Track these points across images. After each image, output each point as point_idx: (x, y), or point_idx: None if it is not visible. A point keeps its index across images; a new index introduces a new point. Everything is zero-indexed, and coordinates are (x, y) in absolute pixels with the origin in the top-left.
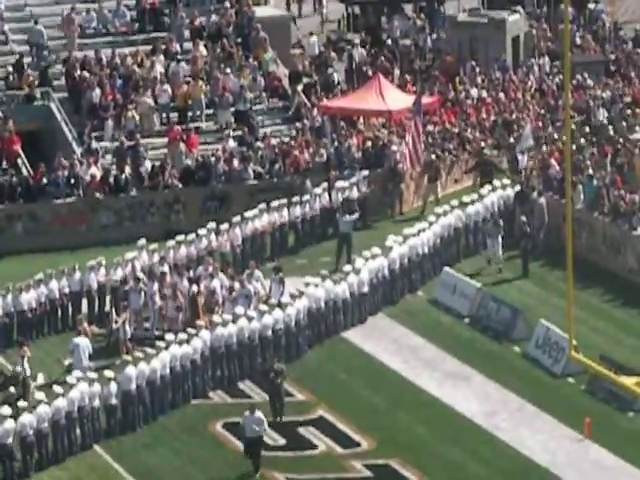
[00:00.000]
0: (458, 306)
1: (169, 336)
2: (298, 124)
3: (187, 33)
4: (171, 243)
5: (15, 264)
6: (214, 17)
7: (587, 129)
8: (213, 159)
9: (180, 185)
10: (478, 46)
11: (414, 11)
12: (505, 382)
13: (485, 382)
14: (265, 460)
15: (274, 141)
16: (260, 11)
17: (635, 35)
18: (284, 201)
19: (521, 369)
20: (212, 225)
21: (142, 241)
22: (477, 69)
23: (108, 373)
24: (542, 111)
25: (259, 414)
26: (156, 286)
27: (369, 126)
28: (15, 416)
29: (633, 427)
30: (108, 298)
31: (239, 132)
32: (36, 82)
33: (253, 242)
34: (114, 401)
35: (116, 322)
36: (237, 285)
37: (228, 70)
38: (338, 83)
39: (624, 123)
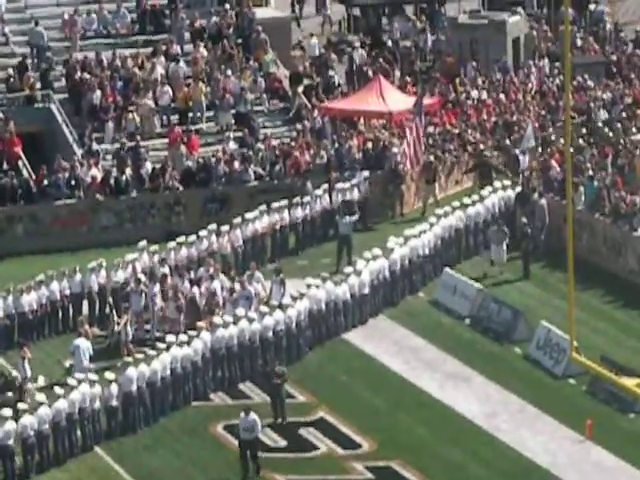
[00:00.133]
0: (459, 307)
1: (170, 337)
2: (299, 125)
3: (188, 35)
4: (172, 245)
5: (16, 265)
6: (214, 19)
7: (584, 130)
8: (214, 161)
9: (181, 187)
10: (479, 47)
11: (415, 13)
12: (506, 383)
13: (486, 383)
14: (266, 462)
15: (275, 142)
16: (260, 12)
17: (636, 36)
18: (285, 202)
19: (522, 370)
20: (213, 227)
21: (143, 243)
22: (478, 70)
23: (109, 375)
24: (542, 112)
25: (254, 416)
26: (157, 288)
27: (370, 127)
28: (16, 418)
29: (634, 428)
30: (109, 300)
31: (240, 134)
32: (37, 84)
33: (254, 243)
34: (115, 403)
35: (118, 324)
36: (238, 286)
37: (229, 72)
38: (339, 85)
39: (619, 125)
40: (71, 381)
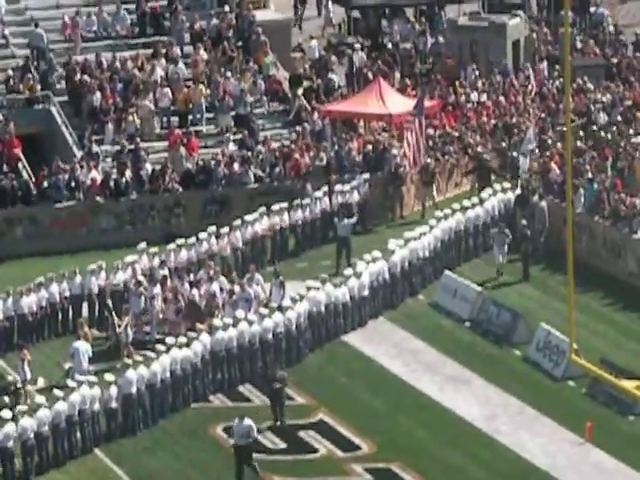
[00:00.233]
0: (459, 310)
1: (170, 339)
2: (298, 128)
3: (187, 37)
4: (171, 247)
5: (15, 268)
6: (214, 21)
7: (581, 133)
8: (213, 163)
9: (180, 189)
10: (478, 50)
11: (414, 15)
12: (505, 386)
13: (485, 386)
14: (265, 464)
15: (274, 145)
16: (260, 15)
17: (636, 39)
18: (284, 205)
19: (521, 373)
20: (212, 229)
21: (142, 245)
22: (477, 72)
23: (108, 377)
24: (542, 115)
25: (248, 422)
26: (156, 289)
27: (369, 130)
28: (16, 420)
29: (633, 431)
30: (109, 302)
31: (239, 136)
32: (37, 86)
33: (253, 246)
34: (114, 404)
35: (119, 326)
36: (237, 289)
37: (228, 74)
38: (338, 87)
39: (614, 128)
40: (71, 383)
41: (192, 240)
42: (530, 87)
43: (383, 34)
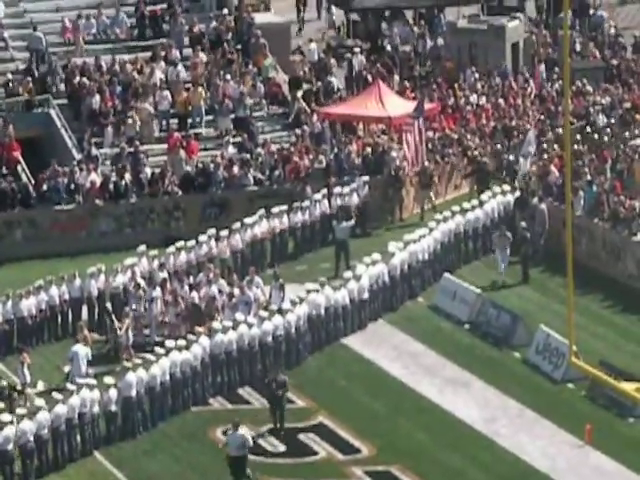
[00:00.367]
0: (458, 312)
1: (169, 342)
2: (298, 130)
3: (187, 40)
4: (171, 249)
5: (15, 271)
6: (214, 23)
7: (578, 137)
8: (213, 165)
9: (180, 192)
10: (478, 52)
11: (414, 18)
12: (505, 388)
13: (485, 388)
14: (265, 467)
15: (274, 147)
16: (260, 17)
17: (635, 41)
18: (284, 207)
19: (521, 375)
20: (212, 231)
21: (142, 247)
22: (476, 75)
23: (108, 379)
24: (542, 117)
25: (242, 431)
26: (156, 292)
27: (369, 132)
28: (15, 423)
29: (633, 433)
30: (108, 305)
31: (239, 138)
32: (36, 88)
33: (253, 248)
34: (114, 407)
35: (120, 329)
36: (237, 291)
37: (228, 76)
38: (338, 89)
39: (608, 130)
40: (70, 386)
41: (192, 243)
42: (529, 89)
43: (382, 37)
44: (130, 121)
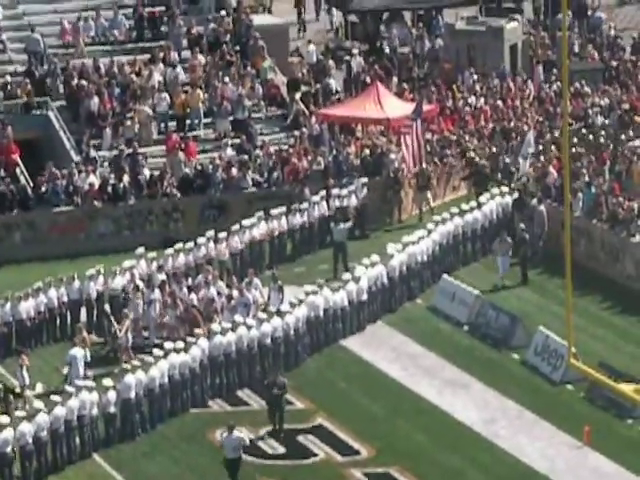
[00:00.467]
0: (457, 314)
1: (168, 344)
2: (296, 132)
3: (185, 42)
4: (170, 251)
5: (13, 273)
6: (212, 25)
7: (575, 139)
8: (211, 167)
9: (179, 194)
10: (476, 54)
11: (412, 19)
12: (504, 389)
13: (484, 390)
14: (264, 469)
15: (272, 149)
16: (258, 19)
17: (633, 42)
18: (283, 209)
19: (520, 376)
20: (211, 233)
21: (141, 249)
22: (475, 77)
23: (107, 381)
24: (540, 118)
25: (237, 434)
26: (154, 294)
27: (367, 134)
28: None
29: (632, 434)
30: (107, 307)
31: (237, 140)
32: (35, 90)
33: (252, 250)
34: (113, 409)
35: (119, 330)
36: (236, 293)
37: (226, 78)
38: (336, 91)
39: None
40: (69, 388)
41: (190, 245)
42: (528, 91)
43: (381, 38)
44: (129, 123)
